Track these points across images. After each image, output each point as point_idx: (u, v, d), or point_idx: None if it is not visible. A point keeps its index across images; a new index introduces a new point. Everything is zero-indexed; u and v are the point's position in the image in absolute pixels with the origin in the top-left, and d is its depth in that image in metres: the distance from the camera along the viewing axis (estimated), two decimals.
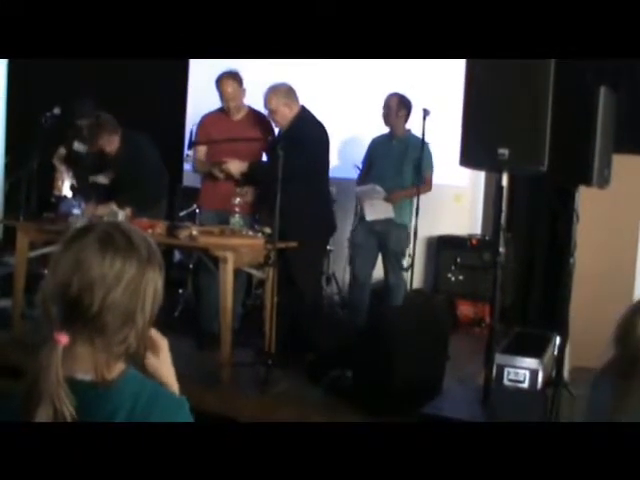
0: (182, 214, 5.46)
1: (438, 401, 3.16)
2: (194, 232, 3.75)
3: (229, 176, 4.28)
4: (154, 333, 1.27)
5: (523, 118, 2.91)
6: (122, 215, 4.08)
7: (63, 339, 1.11)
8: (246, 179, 4.28)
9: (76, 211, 4.15)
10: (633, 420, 1.17)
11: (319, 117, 4.27)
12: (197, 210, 5.15)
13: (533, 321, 4.89)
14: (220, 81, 4.33)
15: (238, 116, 4.43)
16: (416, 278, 4.97)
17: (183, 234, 3.72)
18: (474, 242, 5.43)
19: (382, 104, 4.80)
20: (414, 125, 4.79)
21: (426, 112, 4.54)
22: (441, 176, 5.08)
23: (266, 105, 4.20)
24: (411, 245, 4.67)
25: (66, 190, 5.33)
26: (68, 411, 1.07)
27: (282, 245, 3.80)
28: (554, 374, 3.48)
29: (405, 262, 4.78)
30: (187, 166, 5.66)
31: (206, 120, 4.49)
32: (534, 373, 3.57)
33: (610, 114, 3.29)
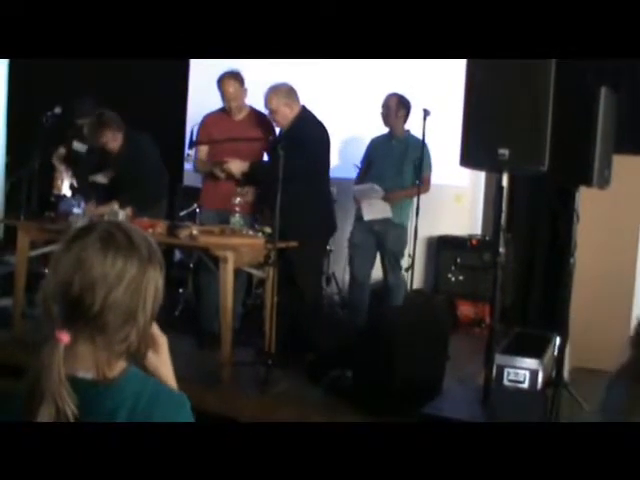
0: (182, 214, 5.46)
1: (438, 401, 3.16)
2: (194, 232, 3.75)
3: (230, 176, 4.28)
4: (155, 330, 1.27)
5: (523, 118, 2.91)
6: (123, 214, 4.08)
7: (64, 338, 1.11)
8: (247, 179, 4.28)
9: (76, 210, 4.16)
10: None
11: (319, 117, 4.27)
12: (197, 210, 5.16)
13: (533, 321, 4.89)
14: (221, 81, 4.33)
15: (239, 116, 4.43)
16: (416, 278, 4.97)
17: (183, 233, 3.73)
18: (474, 242, 5.43)
19: (381, 104, 4.81)
20: (414, 125, 4.79)
21: (426, 112, 4.54)
22: (441, 176, 5.08)
23: (267, 105, 4.20)
24: (411, 245, 4.67)
25: (65, 189, 5.34)
26: (70, 410, 1.08)
27: (282, 245, 3.81)
28: (554, 374, 3.48)
29: (405, 262, 4.78)
30: (188, 165, 5.66)
31: (207, 120, 4.49)
32: (534, 373, 3.57)
33: (610, 114, 3.29)
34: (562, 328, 3.48)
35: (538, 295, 5.06)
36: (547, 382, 3.57)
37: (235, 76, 4.33)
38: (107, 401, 1.13)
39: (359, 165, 5.11)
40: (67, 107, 4.80)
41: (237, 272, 3.78)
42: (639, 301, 4.28)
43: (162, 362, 1.29)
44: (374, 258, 4.86)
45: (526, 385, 3.57)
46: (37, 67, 5.81)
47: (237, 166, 4.24)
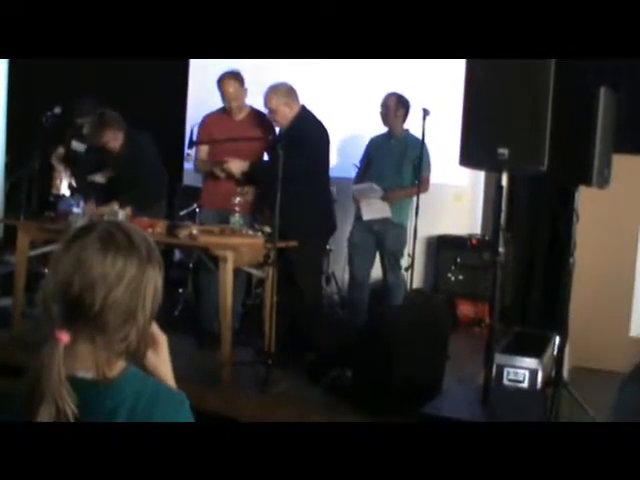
0: (182, 213, 5.46)
1: (438, 401, 3.16)
2: (194, 231, 3.75)
3: (230, 175, 4.28)
4: (154, 329, 1.27)
5: (523, 118, 2.91)
6: (122, 214, 4.09)
7: (64, 337, 1.11)
8: (247, 178, 4.28)
9: (76, 210, 4.16)
10: None
11: (319, 117, 4.27)
12: (197, 209, 5.16)
13: (533, 321, 4.90)
14: (222, 81, 4.33)
15: (240, 116, 4.44)
16: (416, 278, 4.97)
17: (183, 233, 3.73)
18: (474, 242, 5.43)
19: (380, 103, 4.81)
20: (413, 125, 4.79)
21: (426, 112, 4.54)
22: (441, 176, 5.08)
23: (266, 104, 4.20)
24: (411, 245, 4.67)
25: (64, 189, 5.34)
26: (70, 409, 1.08)
27: (282, 244, 3.81)
28: (554, 374, 3.48)
29: (405, 262, 4.78)
30: (187, 165, 5.66)
31: (208, 120, 4.49)
32: (534, 373, 3.58)
33: (610, 114, 3.29)
34: (562, 328, 3.48)
35: (538, 295, 5.07)
36: (547, 382, 3.57)
37: (235, 76, 4.33)
38: (107, 401, 1.14)
39: (358, 165, 5.11)
40: (67, 107, 4.80)
41: (237, 272, 3.78)
42: (639, 301, 4.29)
43: (162, 361, 1.29)
44: (374, 258, 4.86)
45: (526, 385, 3.58)
46: (37, 67, 5.80)
47: (237, 166, 4.25)
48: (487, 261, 5.08)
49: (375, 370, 3.26)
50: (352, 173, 5.22)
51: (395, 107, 4.76)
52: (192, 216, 5.24)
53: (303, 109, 4.24)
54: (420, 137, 4.58)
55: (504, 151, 2.91)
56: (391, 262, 4.76)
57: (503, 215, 3.16)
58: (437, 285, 5.56)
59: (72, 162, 5.30)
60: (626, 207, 4.25)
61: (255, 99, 4.41)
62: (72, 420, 1.08)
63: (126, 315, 1.15)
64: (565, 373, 3.57)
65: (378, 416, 3.00)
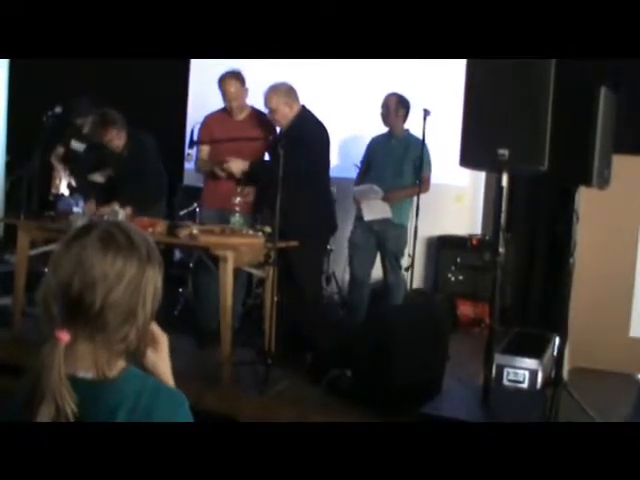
0: (182, 213, 5.46)
1: (438, 401, 3.16)
2: (194, 231, 3.75)
3: (230, 175, 4.28)
4: (155, 328, 1.27)
5: (523, 118, 2.91)
6: (122, 214, 4.09)
7: (64, 337, 1.11)
8: (248, 178, 4.28)
9: (76, 209, 4.16)
10: None
11: (319, 117, 4.27)
12: (197, 209, 5.16)
13: (533, 321, 4.89)
14: (223, 81, 4.33)
15: (241, 116, 4.44)
16: (416, 278, 4.97)
17: (183, 233, 3.73)
18: (474, 242, 5.43)
19: (381, 104, 4.81)
20: (414, 125, 4.79)
21: (426, 112, 4.54)
22: (441, 176, 5.08)
23: (266, 104, 4.20)
24: (411, 245, 4.67)
25: (63, 189, 5.34)
26: (70, 409, 1.08)
27: (282, 244, 3.81)
28: (553, 374, 3.48)
29: (405, 262, 4.78)
30: (188, 165, 5.66)
31: (209, 120, 4.49)
32: (533, 373, 3.58)
33: (610, 114, 3.29)
34: (561, 328, 3.48)
35: (538, 295, 5.07)
36: (546, 382, 3.57)
37: (236, 76, 4.33)
38: (107, 400, 1.14)
39: (359, 165, 5.11)
40: (67, 107, 4.81)
41: (237, 272, 3.78)
42: (639, 301, 4.28)
43: (161, 360, 1.29)
44: (374, 258, 4.86)
45: (525, 385, 3.58)
46: (37, 67, 5.80)
47: (237, 165, 4.24)
48: (487, 261, 5.07)
49: (375, 370, 3.26)
50: (353, 173, 5.22)
51: (395, 107, 4.76)
52: (192, 216, 5.25)
53: (303, 109, 4.24)
54: (421, 137, 4.59)
55: (504, 152, 2.91)
56: (391, 262, 4.76)
57: (503, 215, 3.16)
58: (437, 285, 5.56)
59: (71, 161, 5.31)
60: (626, 207, 4.24)
61: (255, 99, 4.41)
62: (72, 420, 1.08)
63: (126, 315, 1.16)
64: (565, 373, 3.57)
65: (378, 416, 3.00)
